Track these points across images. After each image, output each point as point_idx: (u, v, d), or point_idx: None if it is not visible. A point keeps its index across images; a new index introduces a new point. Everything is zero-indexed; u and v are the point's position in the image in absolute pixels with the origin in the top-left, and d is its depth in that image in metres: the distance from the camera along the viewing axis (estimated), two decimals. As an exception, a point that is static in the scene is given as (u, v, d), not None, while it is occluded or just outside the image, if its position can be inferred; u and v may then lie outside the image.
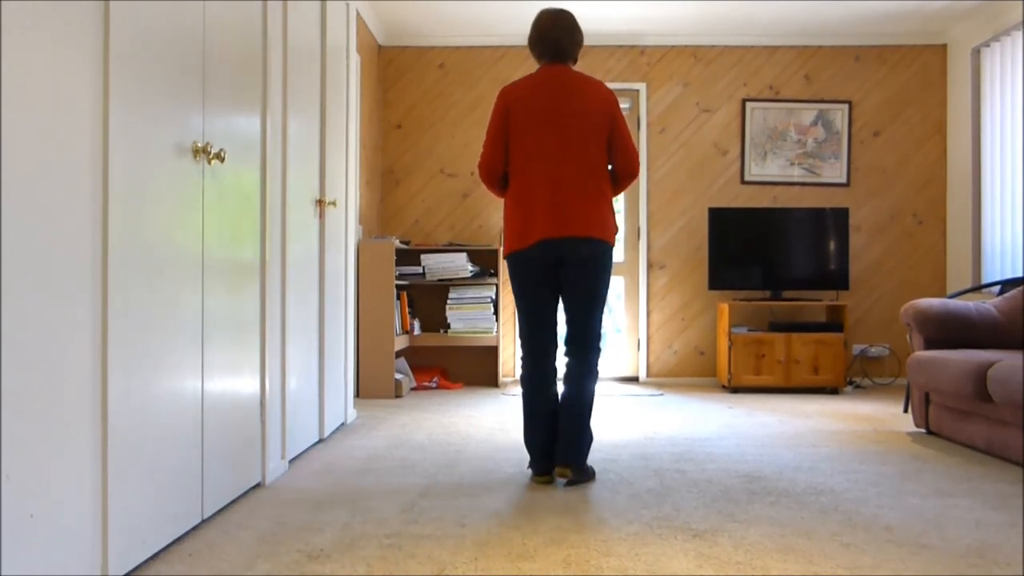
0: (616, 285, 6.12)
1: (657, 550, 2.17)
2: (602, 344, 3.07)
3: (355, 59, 4.45)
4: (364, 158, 5.47)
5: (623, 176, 3.07)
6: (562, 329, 3.06)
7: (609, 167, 3.05)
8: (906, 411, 4.38)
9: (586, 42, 5.93)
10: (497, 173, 3.06)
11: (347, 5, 4.15)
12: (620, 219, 6.09)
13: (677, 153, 5.99)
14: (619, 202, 6.09)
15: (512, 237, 2.99)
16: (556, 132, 2.95)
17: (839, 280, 5.65)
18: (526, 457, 3.34)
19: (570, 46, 3.07)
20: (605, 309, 3.07)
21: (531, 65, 5.98)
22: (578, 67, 5.81)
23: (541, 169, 2.95)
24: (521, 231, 2.95)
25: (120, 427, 1.89)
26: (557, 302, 3.06)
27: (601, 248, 2.95)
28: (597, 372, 3.04)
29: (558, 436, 2.94)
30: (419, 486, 2.86)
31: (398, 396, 5.10)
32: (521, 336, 3.09)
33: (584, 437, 2.95)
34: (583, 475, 2.94)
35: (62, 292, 1.67)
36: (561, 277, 2.99)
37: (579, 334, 3.01)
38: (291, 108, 3.16)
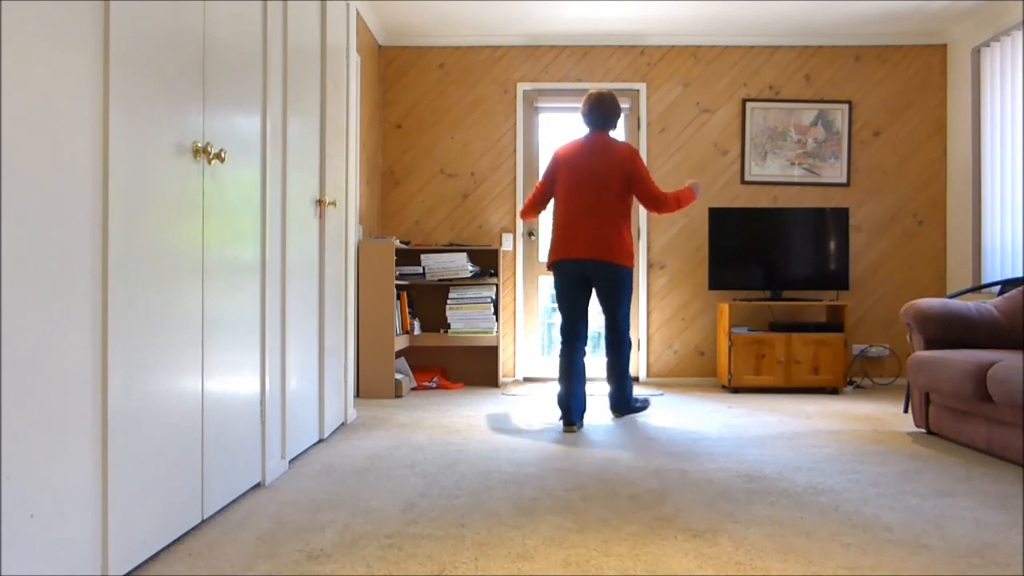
0: (616, 285, 6.13)
1: (657, 550, 2.17)
2: (628, 331, 4.27)
3: (355, 59, 4.45)
4: (364, 158, 5.47)
5: (651, 211, 4.23)
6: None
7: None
8: (906, 411, 4.38)
9: (586, 42, 5.97)
10: (538, 209, 4.33)
11: (347, 5, 4.15)
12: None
13: (677, 153, 5.99)
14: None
15: (553, 251, 4.15)
16: (584, 182, 4.10)
17: (839, 280, 5.65)
18: (526, 457, 3.35)
19: (610, 120, 4.24)
20: (631, 305, 4.41)
21: (531, 66, 6.00)
22: (579, 69, 6.06)
23: (573, 207, 4.10)
24: (558, 248, 4.12)
25: (120, 427, 1.89)
26: (587, 298, 4.18)
27: (614, 269, 4.07)
28: (629, 347, 4.29)
29: (609, 397, 4.35)
30: (419, 486, 2.86)
31: (398, 396, 5.10)
32: (562, 321, 4.20)
33: (625, 395, 4.33)
34: (631, 411, 4.40)
35: (62, 292, 1.67)
36: (592, 284, 4.17)
37: (608, 327, 4.25)
38: (291, 108, 3.16)
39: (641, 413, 4.47)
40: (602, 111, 4.19)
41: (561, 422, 4.07)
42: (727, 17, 5.60)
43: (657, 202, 4.13)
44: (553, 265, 4.14)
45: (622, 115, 4.30)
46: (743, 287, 5.70)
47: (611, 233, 4.03)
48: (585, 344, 4.17)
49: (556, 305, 4.14)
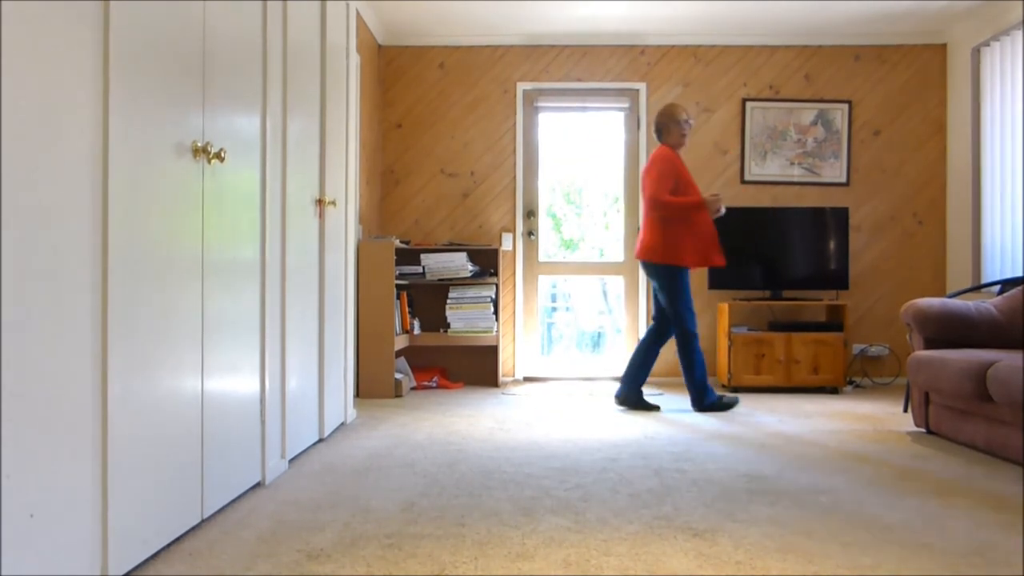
0: (616, 285, 6.12)
1: (657, 550, 2.17)
2: (680, 327, 4.53)
3: (355, 59, 4.45)
4: (364, 158, 5.47)
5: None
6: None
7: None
8: (906, 411, 4.38)
9: (586, 42, 5.96)
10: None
11: (347, 5, 4.15)
12: (619, 219, 6.10)
13: (677, 153, 5.98)
14: (618, 202, 6.09)
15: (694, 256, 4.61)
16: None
17: (839, 280, 5.65)
18: (525, 457, 3.35)
19: (658, 132, 4.68)
20: (677, 302, 4.62)
21: (531, 65, 6.01)
22: (579, 68, 6.08)
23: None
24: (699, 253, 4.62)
25: (120, 427, 1.89)
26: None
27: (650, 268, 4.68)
28: (684, 346, 4.51)
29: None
30: (419, 486, 2.86)
31: (398, 396, 5.10)
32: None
33: (692, 389, 4.55)
34: (703, 408, 4.55)
35: (62, 292, 1.67)
36: None
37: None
38: (291, 108, 3.16)
39: (719, 411, 4.56)
40: (656, 124, 4.72)
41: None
42: (727, 17, 5.60)
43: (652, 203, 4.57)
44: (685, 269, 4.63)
45: (654, 122, 4.75)
46: (743, 287, 5.70)
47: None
48: (663, 331, 4.65)
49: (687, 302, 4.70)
